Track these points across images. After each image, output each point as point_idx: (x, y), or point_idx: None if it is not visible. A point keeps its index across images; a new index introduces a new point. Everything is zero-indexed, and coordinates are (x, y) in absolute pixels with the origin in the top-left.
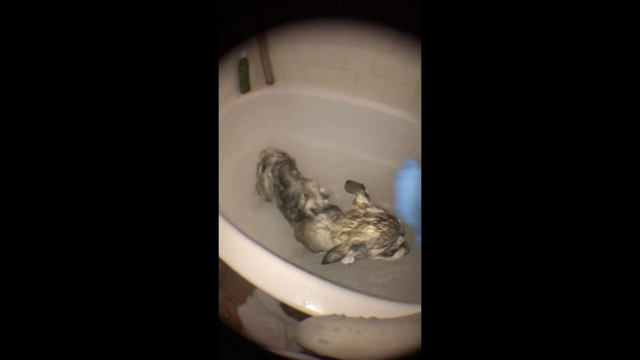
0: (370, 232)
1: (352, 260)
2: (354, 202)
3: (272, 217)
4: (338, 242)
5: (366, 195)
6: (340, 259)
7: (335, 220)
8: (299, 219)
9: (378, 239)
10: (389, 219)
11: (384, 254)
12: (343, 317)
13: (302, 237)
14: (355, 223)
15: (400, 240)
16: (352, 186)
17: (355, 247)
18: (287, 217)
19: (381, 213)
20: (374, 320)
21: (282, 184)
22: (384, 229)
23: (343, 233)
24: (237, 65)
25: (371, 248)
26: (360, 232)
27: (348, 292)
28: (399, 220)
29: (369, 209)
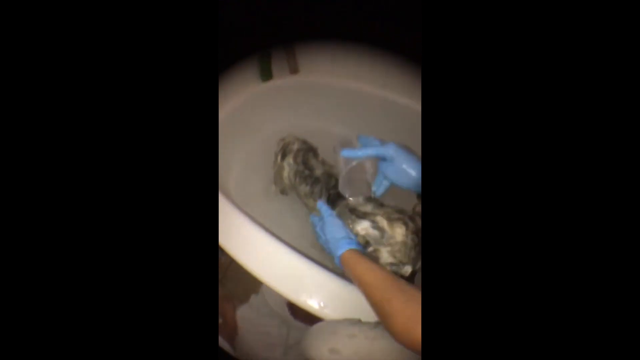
0: (399, 232)
1: (364, 232)
2: (413, 207)
3: (287, 210)
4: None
5: None
6: (359, 217)
7: (374, 206)
8: (331, 203)
9: (398, 244)
10: (421, 243)
11: (390, 270)
12: (358, 322)
13: None
14: (396, 215)
15: (406, 269)
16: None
17: (376, 226)
18: (314, 205)
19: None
20: None
21: (307, 168)
22: (410, 243)
23: (379, 215)
24: (259, 54)
25: (384, 246)
26: (392, 224)
27: None
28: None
29: (417, 216)
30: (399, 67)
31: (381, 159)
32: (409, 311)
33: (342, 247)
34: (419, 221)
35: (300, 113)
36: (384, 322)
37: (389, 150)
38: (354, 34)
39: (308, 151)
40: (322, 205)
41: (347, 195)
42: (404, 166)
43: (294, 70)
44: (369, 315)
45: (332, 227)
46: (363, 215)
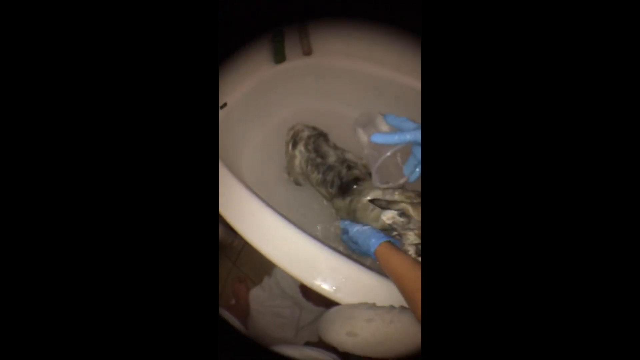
0: None
1: (390, 220)
2: None
3: (300, 194)
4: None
5: None
6: (383, 207)
7: (390, 192)
8: (343, 192)
9: None
10: None
11: (417, 248)
12: (374, 306)
13: (349, 212)
14: (418, 200)
15: None
16: None
17: (402, 214)
18: (326, 194)
19: None
20: (403, 309)
21: (319, 155)
22: None
23: (401, 202)
24: (272, 36)
25: (413, 229)
26: (416, 208)
27: (381, 277)
28: None
29: None
30: (414, 50)
31: (416, 144)
32: None
33: (374, 243)
34: None
35: (314, 96)
36: (414, 311)
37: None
38: (368, 15)
39: (318, 137)
40: (344, 224)
41: (380, 186)
42: None
43: (308, 52)
44: (382, 299)
45: (360, 234)
46: (387, 205)
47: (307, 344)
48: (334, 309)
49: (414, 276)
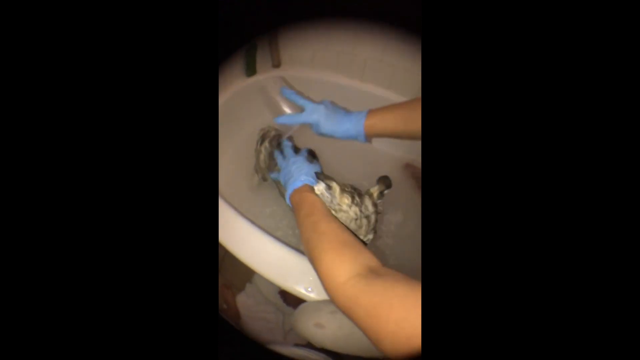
0: (345, 202)
1: (319, 192)
2: (368, 189)
3: (273, 202)
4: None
5: (382, 193)
6: (318, 178)
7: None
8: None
9: (342, 212)
10: (365, 218)
11: None
12: None
13: None
14: (348, 189)
15: None
16: (380, 180)
17: (329, 190)
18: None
19: (368, 209)
20: None
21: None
22: (352, 215)
23: (335, 182)
24: (246, 49)
25: (334, 209)
26: (342, 194)
27: None
28: (369, 234)
29: (367, 196)
30: (376, 60)
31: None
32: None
33: (301, 181)
34: (367, 201)
35: (283, 107)
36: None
37: (313, 117)
38: (335, 24)
39: (282, 135)
40: (278, 154)
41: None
42: (330, 126)
43: (277, 64)
44: None
45: (295, 164)
46: (323, 178)
47: (296, 345)
48: (303, 304)
49: (335, 239)
